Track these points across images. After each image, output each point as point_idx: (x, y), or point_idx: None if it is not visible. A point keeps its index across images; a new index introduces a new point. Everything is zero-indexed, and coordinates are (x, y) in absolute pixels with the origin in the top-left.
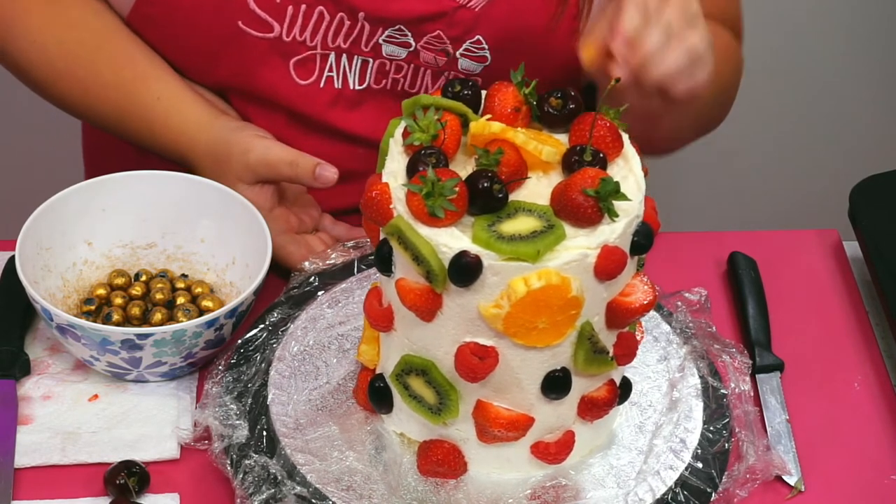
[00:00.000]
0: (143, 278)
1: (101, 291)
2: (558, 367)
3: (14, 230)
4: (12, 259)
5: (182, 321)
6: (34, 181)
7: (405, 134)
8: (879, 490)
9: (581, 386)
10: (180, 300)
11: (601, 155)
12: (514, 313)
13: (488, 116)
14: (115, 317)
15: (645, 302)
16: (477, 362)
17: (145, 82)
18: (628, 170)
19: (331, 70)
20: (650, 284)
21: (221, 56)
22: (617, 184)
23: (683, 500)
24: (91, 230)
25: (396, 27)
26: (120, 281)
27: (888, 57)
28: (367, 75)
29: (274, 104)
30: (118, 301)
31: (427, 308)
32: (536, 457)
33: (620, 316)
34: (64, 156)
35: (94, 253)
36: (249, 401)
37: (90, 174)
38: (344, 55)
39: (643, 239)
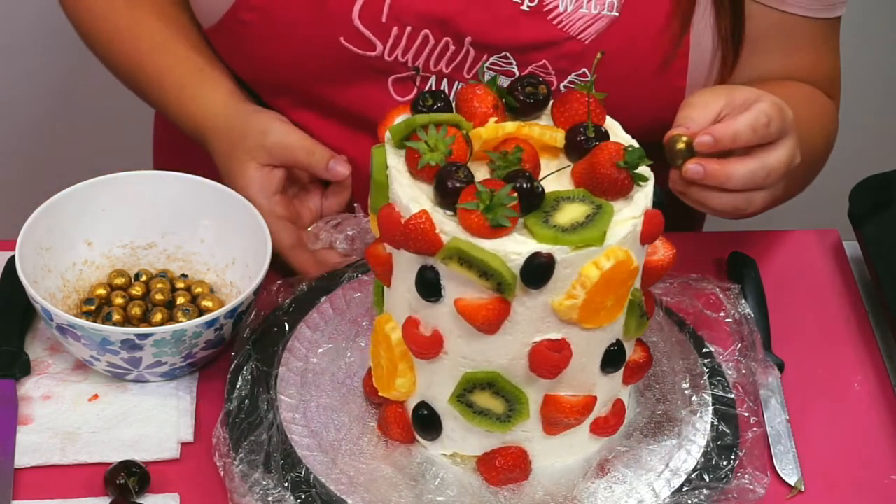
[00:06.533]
0: (143, 278)
1: (101, 291)
2: (614, 341)
3: (14, 230)
4: (12, 259)
5: (182, 321)
6: (34, 181)
7: (411, 158)
8: (879, 490)
9: (627, 354)
10: (180, 300)
11: (603, 129)
12: (589, 299)
13: (494, 119)
14: (116, 317)
15: (669, 256)
16: (556, 357)
17: (197, 52)
18: (616, 137)
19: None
20: (664, 239)
21: (311, 68)
22: (640, 150)
23: (727, 429)
24: (91, 230)
25: (502, 54)
26: (120, 281)
27: (888, 57)
28: None
29: (344, 117)
30: (118, 301)
31: (497, 320)
32: (595, 434)
33: (653, 275)
34: (70, 155)
35: (94, 253)
36: (283, 470)
37: (159, 167)
38: (445, 80)
39: (659, 196)
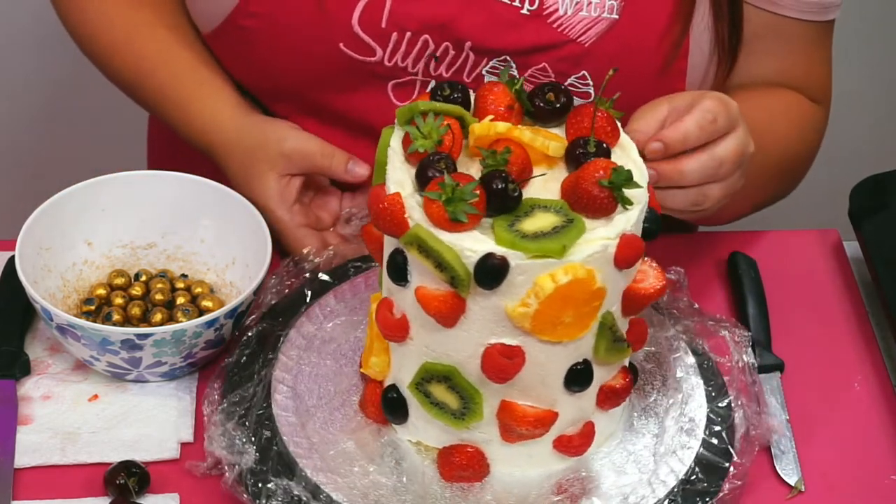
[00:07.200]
0: (143, 278)
1: (101, 291)
2: (580, 360)
3: (14, 230)
4: (12, 259)
5: (182, 321)
6: (34, 181)
7: (406, 142)
8: (879, 490)
9: (600, 376)
10: (180, 300)
11: (605, 145)
12: (542, 310)
13: (491, 117)
14: (116, 317)
15: (658, 286)
16: (507, 363)
17: (199, 62)
18: (626, 157)
19: None
20: (658, 269)
21: (310, 73)
22: (629, 172)
23: (703, 476)
24: (91, 230)
25: (502, 58)
26: (120, 281)
27: (887, 58)
28: None
29: (344, 123)
30: (118, 301)
31: (451, 314)
32: (559, 451)
33: (637, 302)
34: (70, 155)
35: (94, 253)
36: (255, 425)
37: (153, 167)
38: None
39: (653, 224)
